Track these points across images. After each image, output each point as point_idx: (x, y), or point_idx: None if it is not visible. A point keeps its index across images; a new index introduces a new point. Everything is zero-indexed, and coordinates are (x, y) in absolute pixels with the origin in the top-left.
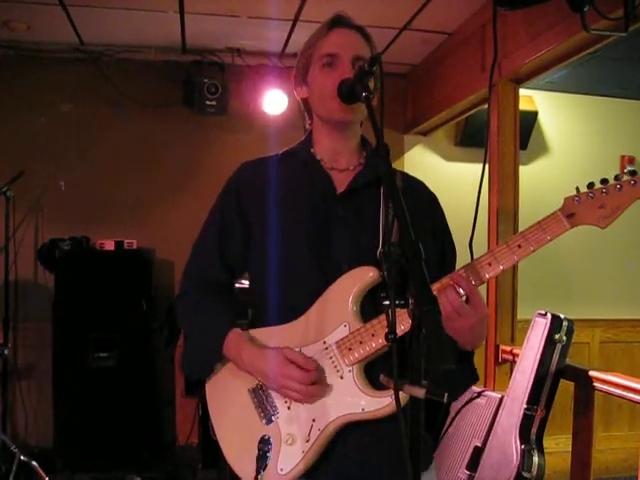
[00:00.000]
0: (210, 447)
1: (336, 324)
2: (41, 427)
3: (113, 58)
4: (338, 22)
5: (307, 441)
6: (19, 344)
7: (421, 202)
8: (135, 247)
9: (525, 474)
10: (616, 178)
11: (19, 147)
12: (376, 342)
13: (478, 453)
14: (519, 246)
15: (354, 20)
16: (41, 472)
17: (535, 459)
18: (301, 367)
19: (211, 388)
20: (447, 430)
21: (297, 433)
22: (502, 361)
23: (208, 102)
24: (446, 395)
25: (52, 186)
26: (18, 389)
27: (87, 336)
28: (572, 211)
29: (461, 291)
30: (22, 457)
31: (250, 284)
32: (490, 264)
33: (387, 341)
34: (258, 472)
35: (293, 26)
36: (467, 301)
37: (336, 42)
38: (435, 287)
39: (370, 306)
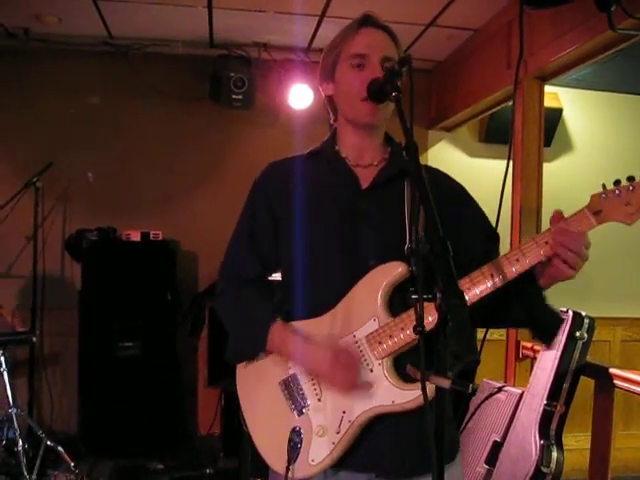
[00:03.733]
0: (232, 436)
1: (365, 318)
2: (66, 414)
3: (141, 52)
4: (367, 21)
5: (337, 432)
6: (46, 332)
7: (452, 191)
8: (161, 238)
9: (544, 469)
10: None
11: (48, 138)
12: (405, 335)
13: (497, 448)
14: (546, 242)
15: (382, 20)
16: (67, 458)
17: (554, 454)
18: (348, 370)
19: (242, 380)
20: (467, 425)
21: (328, 424)
22: (523, 357)
23: (234, 96)
24: (471, 386)
25: (80, 177)
26: (44, 376)
27: (112, 325)
28: (599, 208)
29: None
30: (49, 442)
31: (281, 279)
32: (518, 260)
33: (415, 333)
34: (289, 463)
35: (320, 22)
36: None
37: (365, 42)
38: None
39: (398, 301)
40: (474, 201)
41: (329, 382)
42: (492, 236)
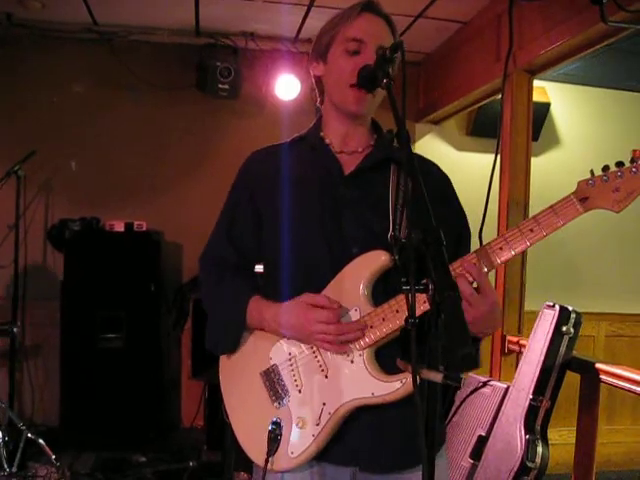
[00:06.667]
0: (215, 429)
1: (347, 308)
2: (47, 406)
3: (126, 39)
4: (368, 7)
5: (317, 424)
6: (27, 323)
7: (435, 185)
8: (144, 229)
9: (529, 464)
10: (632, 161)
11: (31, 127)
12: (386, 326)
13: (482, 442)
14: (531, 230)
15: (383, 8)
16: (48, 450)
17: (539, 449)
18: (324, 307)
19: (224, 371)
20: (452, 419)
21: (308, 416)
22: (508, 352)
23: (221, 85)
24: (462, 380)
25: (63, 166)
26: (26, 367)
27: (95, 316)
28: (585, 195)
29: (471, 279)
30: (29, 435)
31: (264, 269)
32: (502, 249)
33: (407, 325)
34: (269, 455)
35: (307, 11)
36: (477, 290)
37: (364, 28)
38: None
39: (381, 290)
40: (456, 197)
41: (299, 327)
42: (464, 235)
